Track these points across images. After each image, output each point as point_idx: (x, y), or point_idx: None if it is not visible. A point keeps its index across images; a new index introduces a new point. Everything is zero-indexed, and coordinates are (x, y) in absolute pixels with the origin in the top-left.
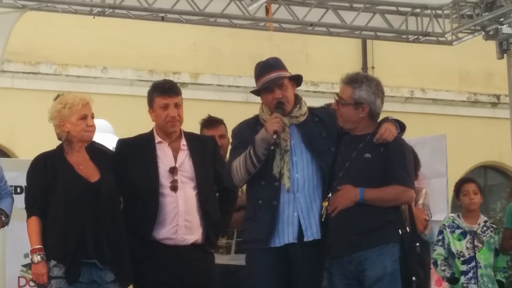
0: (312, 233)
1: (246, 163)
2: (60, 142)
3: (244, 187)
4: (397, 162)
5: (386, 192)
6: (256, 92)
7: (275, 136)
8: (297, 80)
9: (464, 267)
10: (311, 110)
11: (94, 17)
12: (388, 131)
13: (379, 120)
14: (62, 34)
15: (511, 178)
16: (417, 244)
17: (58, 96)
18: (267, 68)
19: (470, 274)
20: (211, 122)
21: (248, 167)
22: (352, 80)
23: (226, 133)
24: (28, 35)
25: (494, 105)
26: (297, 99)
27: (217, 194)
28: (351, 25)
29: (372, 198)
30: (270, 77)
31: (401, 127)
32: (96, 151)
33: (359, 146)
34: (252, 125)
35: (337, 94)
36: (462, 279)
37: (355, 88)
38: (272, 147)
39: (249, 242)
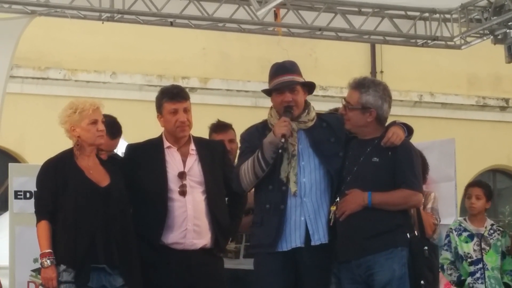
0: (319, 237)
1: (254, 167)
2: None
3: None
4: (405, 165)
5: (394, 196)
6: (267, 92)
7: (283, 140)
8: (309, 87)
9: (471, 268)
10: (319, 115)
11: (103, 23)
12: (395, 134)
13: (387, 124)
14: (71, 40)
15: None
16: (426, 248)
17: None
18: (282, 70)
19: (478, 275)
20: (220, 127)
21: (256, 171)
22: (359, 85)
23: (235, 138)
24: (37, 41)
25: (503, 109)
26: (306, 104)
27: (226, 198)
28: (360, 30)
29: (380, 202)
30: (284, 79)
31: (409, 130)
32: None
33: (366, 150)
34: (260, 130)
35: (344, 98)
36: (469, 279)
37: (362, 93)
38: (280, 151)
39: (257, 246)
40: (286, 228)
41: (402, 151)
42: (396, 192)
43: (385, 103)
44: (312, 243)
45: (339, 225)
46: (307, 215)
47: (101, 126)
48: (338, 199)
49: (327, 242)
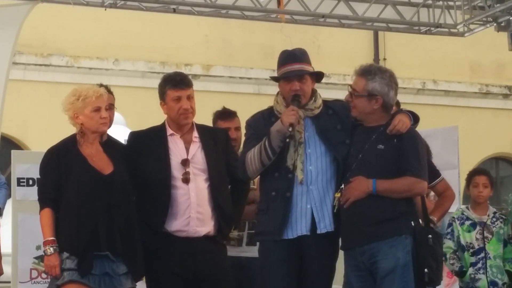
0: (325, 225)
1: (260, 155)
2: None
3: (257, 180)
4: (410, 153)
5: (399, 184)
6: (275, 79)
7: (290, 129)
8: (317, 76)
9: (473, 259)
10: (325, 102)
11: (105, 9)
12: (401, 122)
13: (392, 111)
14: (73, 26)
15: None
16: (430, 236)
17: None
18: (292, 58)
19: (479, 265)
20: (226, 114)
21: (263, 159)
22: (366, 72)
23: (240, 125)
24: (40, 27)
25: (505, 96)
26: (312, 92)
27: (229, 186)
28: (363, 17)
29: (385, 189)
30: (293, 68)
31: (415, 118)
32: (109, 143)
33: (372, 137)
34: (266, 117)
35: (350, 85)
36: (470, 270)
37: (369, 80)
38: (287, 140)
39: (262, 233)
40: (292, 216)
41: (408, 139)
42: (401, 179)
43: (391, 90)
44: (318, 231)
45: (343, 212)
46: (313, 203)
47: (104, 114)
48: (343, 186)
49: (333, 230)
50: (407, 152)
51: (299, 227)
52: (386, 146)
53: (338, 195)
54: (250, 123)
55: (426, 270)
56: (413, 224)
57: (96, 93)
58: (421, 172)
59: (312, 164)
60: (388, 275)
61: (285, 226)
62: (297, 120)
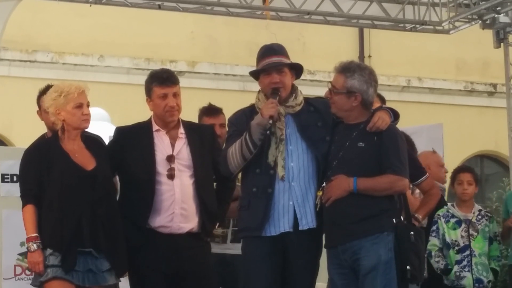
0: (308, 222)
1: (242, 149)
2: (49, 132)
3: (240, 176)
4: (390, 150)
5: (380, 181)
6: (254, 75)
7: (270, 121)
8: (297, 70)
9: (458, 256)
10: (306, 99)
11: (90, 5)
12: (381, 119)
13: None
14: (59, 22)
15: (508, 167)
16: (412, 232)
17: (47, 86)
18: (270, 52)
19: (464, 262)
20: (212, 111)
21: (244, 153)
22: (345, 69)
23: (225, 122)
24: (25, 23)
25: (490, 94)
26: (293, 89)
27: (215, 183)
28: (348, 14)
29: (366, 187)
30: (271, 60)
31: (395, 115)
32: (91, 139)
33: (352, 135)
34: (248, 114)
35: (330, 82)
36: (455, 268)
37: (348, 77)
38: (268, 132)
39: (244, 230)
40: (274, 212)
41: (388, 136)
42: (382, 177)
43: (370, 88)
44: (300, 228)
45: (325, 210)
46: (295, 199)
47: (86, 110)
48: (324, 184)
49: (315, 226)
50: (387, 150)
51: (281, 224)
52: (367, 144)
53: (320, 193)
54: (232, 120)
55: (408, 267)
56: (394, 221)
57: (78, 90)
58: (402, 169)
59: (293, 161)
60: (370, 272)
61: (267, 222)
62: (276, 112)
